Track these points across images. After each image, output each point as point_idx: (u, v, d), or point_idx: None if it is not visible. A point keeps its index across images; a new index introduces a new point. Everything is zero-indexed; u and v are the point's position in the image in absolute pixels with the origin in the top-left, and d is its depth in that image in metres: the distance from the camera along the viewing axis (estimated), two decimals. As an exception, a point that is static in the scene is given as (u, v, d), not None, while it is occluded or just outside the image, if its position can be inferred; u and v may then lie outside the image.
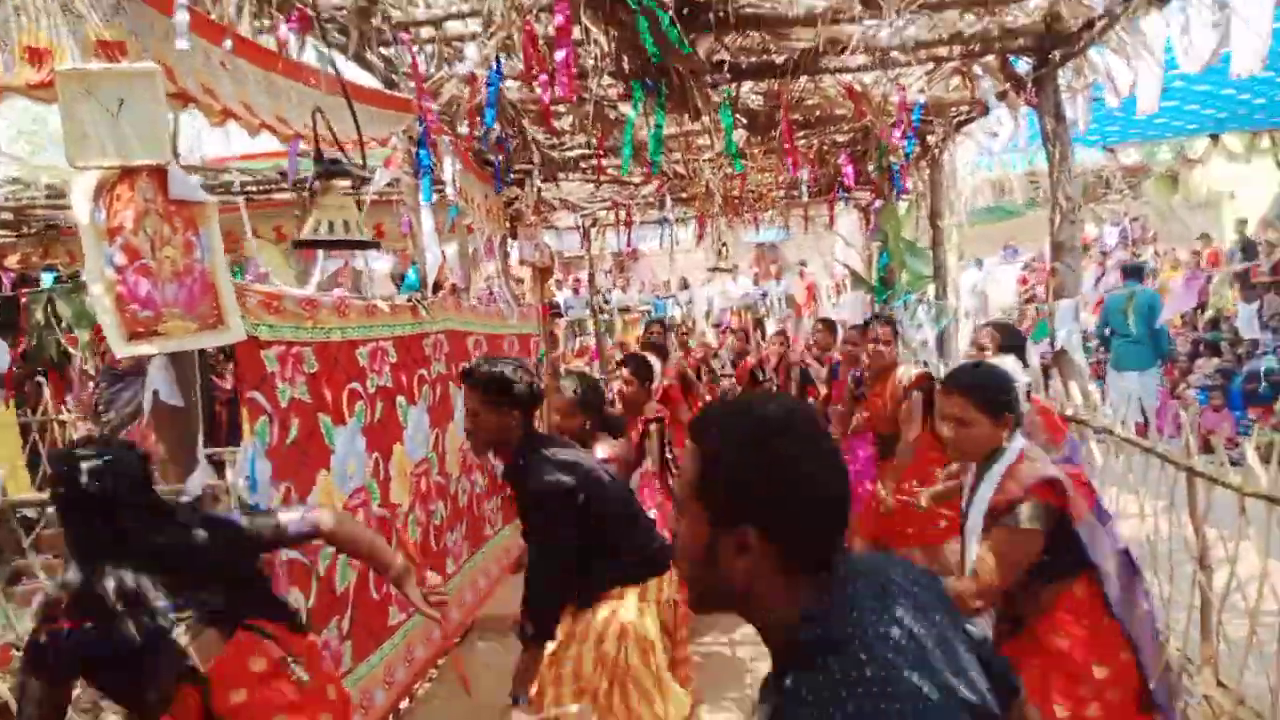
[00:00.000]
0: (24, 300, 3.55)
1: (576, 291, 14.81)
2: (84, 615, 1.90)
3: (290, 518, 2.21)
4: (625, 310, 14.78)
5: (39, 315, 3.55)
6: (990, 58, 4.76)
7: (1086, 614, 2.35)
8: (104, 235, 2.29)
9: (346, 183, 2.70)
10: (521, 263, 7.35)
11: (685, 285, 15.84)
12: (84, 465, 1.96)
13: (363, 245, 2.84)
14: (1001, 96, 4.98)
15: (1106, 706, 2.30)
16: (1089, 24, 4.17)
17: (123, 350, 2.23)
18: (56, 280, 6.67)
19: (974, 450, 2.46)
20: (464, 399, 2.73)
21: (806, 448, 1.08)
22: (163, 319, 2.29)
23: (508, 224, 6.64)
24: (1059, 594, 2.37)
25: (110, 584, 1.91)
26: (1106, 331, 8.66)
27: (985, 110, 5.22)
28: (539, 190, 6.70)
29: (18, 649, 3.10)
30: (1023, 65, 4.74)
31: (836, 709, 0.95)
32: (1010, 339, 4.02)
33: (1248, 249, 10.84)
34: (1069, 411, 3.89)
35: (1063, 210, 4.52)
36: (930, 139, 6.47)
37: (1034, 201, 10.56)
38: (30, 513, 3.30)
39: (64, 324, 3.59)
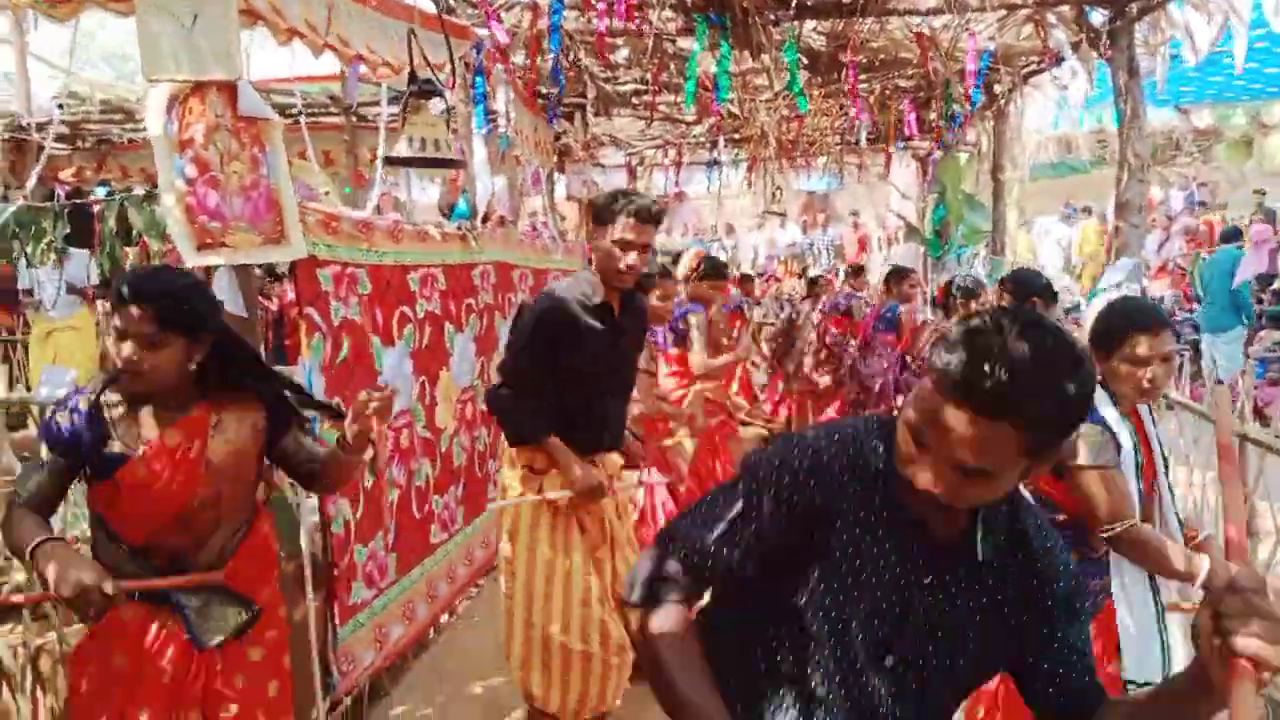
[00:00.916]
0: (97, 209, 3.67)
1: (621, 231, 14.71)
2: None
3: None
4: (666, 253, 14.69)
5: (111, 224, 3.66)
6: (1065, 8, 4.60)
7: None
8: (175, 147, 2.35)
9: (438, 103, 2.74)
10: (568, 198, 7.34)
11: (730, 231, 15.68)
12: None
13: (450, 164, 2.90)
14: (1075, 47, 4.82)
15: None
16: (1172, -24, 4.01)
17: (192, 260, 2.29)
18: (109, 195, 6.84)
19: None
20: (639, 234, 2.67)
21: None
22: (230, 231, 2.35)
23: (556, 158, 6.62)
24: None
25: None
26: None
27: (1057, 60, 5.06)
28: (589, 125, 6.66)
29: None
30: (1097, 17, 4.58)
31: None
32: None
33: (1269, 219, 10.49)
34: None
35: (1130, 168, 4.40)
36: (997, 88, 6.29)
37: (1101, 160, 10.26)
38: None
39: (135, 233, 3.69)
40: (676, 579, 1.34)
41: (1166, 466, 2.34)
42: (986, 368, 1.05)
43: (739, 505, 1.31)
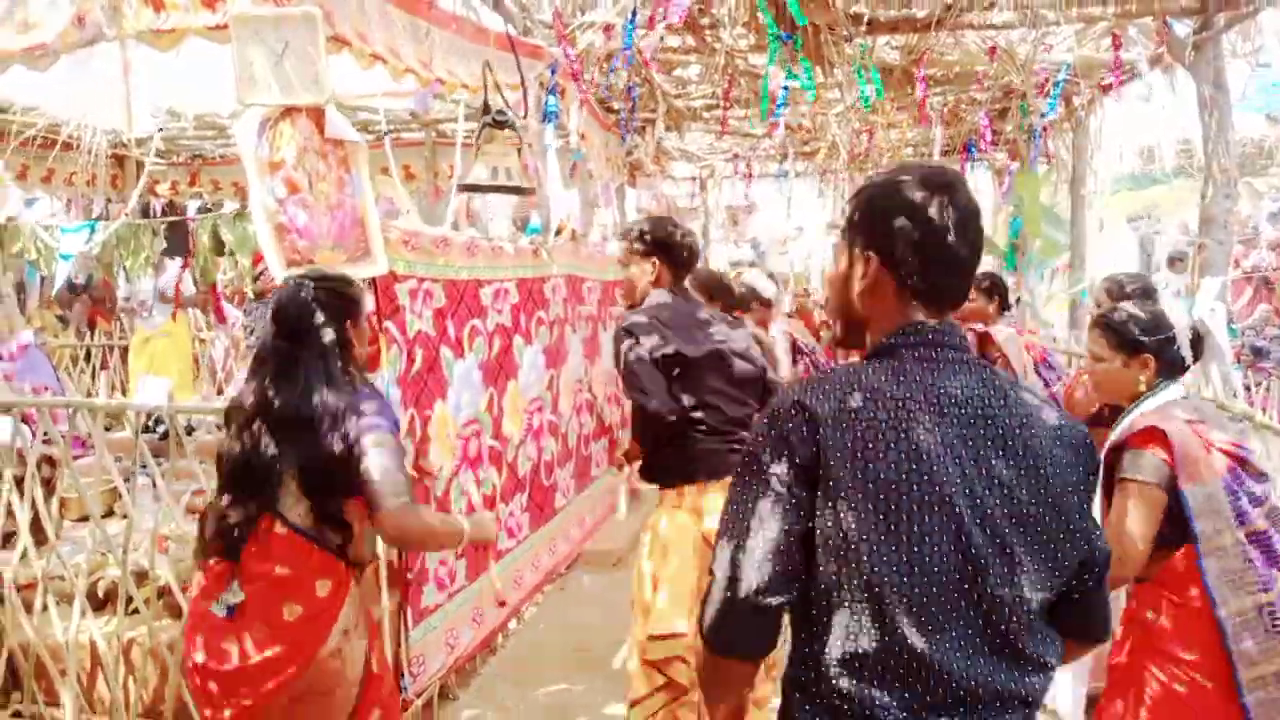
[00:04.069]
0: (192, 225, 3.90)
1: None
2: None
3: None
4: (736, 264, 14.66)
5: (205, 239, 3.88)
6: (1148, 19, 4.48)
7: (1177, 589, 2.20)
8: (266, 168, 2.47)
9: (509, 133, 2.85)
10: (639, 211, 7.42)
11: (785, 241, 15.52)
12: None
13: (520, 191, 3.01)
14: (1155, 61, 4.69)
15: (1197, 692, 2.15)
16: (1263, -16, 3.89)
17: (282, 275, 2.41)
18: (200, 210, 7.16)
19: (1110, 390, 2.45)
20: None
21: (940, 205, 1.22)
22: (317, 249, 2.47)
23: (627, 173, 6.70)
24: (1158, 562, 2.22)
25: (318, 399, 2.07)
26: None
27: (1136, 73, 4.93)
28: (660, 140, 6.72)
29: (172, 540, 3.42)
30: (1182, 27, 4.44)
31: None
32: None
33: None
34: (1207, 394, 3.70)
35: (1216, 183, 4.26)
36: (1075, 100, 6.15)
37: (1184, 171, 9.90)
38: (189, 419, 3.61)
39: (228, 249, 3.91)
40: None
41: None
42: None
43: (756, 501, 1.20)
